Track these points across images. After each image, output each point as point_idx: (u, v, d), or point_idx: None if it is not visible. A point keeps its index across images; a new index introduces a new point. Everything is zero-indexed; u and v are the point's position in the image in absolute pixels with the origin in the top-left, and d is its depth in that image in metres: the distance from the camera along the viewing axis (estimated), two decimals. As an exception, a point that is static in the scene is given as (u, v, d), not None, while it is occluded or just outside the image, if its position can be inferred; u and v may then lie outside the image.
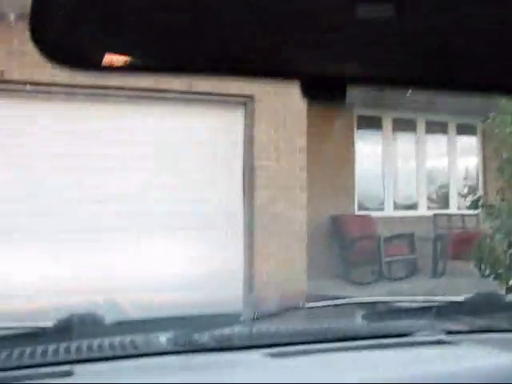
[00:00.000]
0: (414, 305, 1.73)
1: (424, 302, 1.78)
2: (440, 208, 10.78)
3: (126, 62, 0.57)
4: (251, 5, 0.51)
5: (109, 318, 1.38)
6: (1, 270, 6.02)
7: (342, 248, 9.31)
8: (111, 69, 0.56)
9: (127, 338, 1.42)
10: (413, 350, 1.51)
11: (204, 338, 1.47)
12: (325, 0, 0.49)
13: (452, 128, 10.85)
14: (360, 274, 8.73)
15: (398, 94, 8.18)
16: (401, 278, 8.68)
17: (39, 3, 0.50)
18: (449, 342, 1.57)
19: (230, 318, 1.47)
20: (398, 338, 1.59)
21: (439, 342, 1.56)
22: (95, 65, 0.56)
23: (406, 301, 1.86)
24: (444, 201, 10.98)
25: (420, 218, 10.20)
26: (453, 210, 10.72)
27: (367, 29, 0.50)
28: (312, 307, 1.66)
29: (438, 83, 0.57)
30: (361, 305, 1.78)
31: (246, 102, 7.32)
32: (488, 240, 7.66)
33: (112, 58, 0.55)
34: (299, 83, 0.53)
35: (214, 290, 6.62)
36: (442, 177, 11.09)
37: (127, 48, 0.56)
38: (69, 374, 1.25)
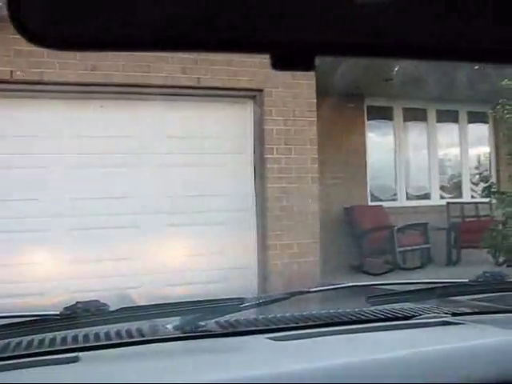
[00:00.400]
0: (419, 287, 1.74)
1: (428, 284, 1.78)
2: (453, 197, 10.74)
3: (112, 38, 0.58)
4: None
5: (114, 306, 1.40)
6: (14, 269, 6.10)
7: (355, 239, 9.31)
8: (98, 46, 0.58)
9: (133, 325, 1.45)
10: (418, 331, 1.52)
11: (210, 323, 1.49)
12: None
13: (463, 116, 10.79)
14: (374, 264, 8.72)
15: (407, 84, 8.17)
16: (415, 268, 8.66)
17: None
18: (454, 323, 1.57)
19: (235, 304, 1.48)
20: (403, 320, 1.59)
21: (444, 324, 1.57)
22: (83, 43, 0.57)
23: (410, 283, 1.87)
24: (457, 189, 10.94)
25: (433, 208, 10.16)
26: (466, 198, 10.68)
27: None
28: (316, 291, 1.67)
29: (407, 50, 0.58)
30: (365, 288, 1.79)
31: (255, 95, 7.33)
32: (500, 227, 7.63)
33: (98, 35, 0.56)
34: (270, 56, 0.54)
35: (227, 284, 6.66)
36: (454, 165, 11.05)
37: (109, 23, 0.58)
38: (75, 360, 1.27)
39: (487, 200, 8.77)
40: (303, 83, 7.28)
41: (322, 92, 7.36)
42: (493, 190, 8.27)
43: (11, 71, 6.15)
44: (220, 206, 7.05)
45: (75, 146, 6.51)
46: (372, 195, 10.08)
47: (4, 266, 6.00)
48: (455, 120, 10.83)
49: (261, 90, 7.24)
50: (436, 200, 10.48)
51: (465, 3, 0.64)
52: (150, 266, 6.51)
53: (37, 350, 1.35)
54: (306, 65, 0.55)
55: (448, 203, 10.23)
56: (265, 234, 7.23)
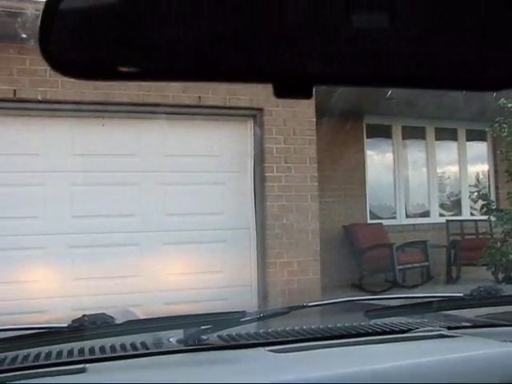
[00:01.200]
0: (415, 302, 1.78)
1: (425, 298, 1.82)
2: (452, 214, 10.78)
3: (126, 70, 0.63)
4: (227, 14, 0.57)
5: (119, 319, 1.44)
6: (14, 286, 6.13)
7: (355, 257, 9.34)
8: (115, 77, 0.63)
9: (138, 338, 1.49)
10: (414, 343, 1.56)
11: (211, 336, 1.53)
12: (289, 8, 0.55)
13: (462, 134, 10.86)
14: (373, 282, 8.75)
15: (406, 102, 8.25)
16: (414, 286, 8.69)
17: (47, 19, 0.56)
18: (450, 336, 1.61)
19: (236, 318, 1.52)
20: (400, 334, 1.63)
21: (440, 337, 1.61)
22: (102, 74, 0.63)
23: (406, 297, 1.91)
24: (456, 207, 10.98)
25: (432, 225, 10.21)
26: (465, 216, 10.72)
27: (328, 31, 0.56)
28: (315, 305, 1.71)
29: (396, 80, 0.64)
30: (362, 303, 1.83)
31: (255, 114, 7.39)
32: (499, 244, 7.67)
33: (116, 68, 0.61)
34: (272, 85, 0.59)
35: (227, 302, 6.68)
36: (454, 183, 11.11)
37: (127, 57, 0.63)
38: (82, 371, 1.31)
39: (486, 218, 8.81)
40: (303, 102, 7.34)
41: (321, 110, 7.43)
42: (492, 207, 8.33)
43: (14, 90, 6.22)
44: (220, 225, 7.10)
45: (77, 164, 6.56)
46: (371, 213, 10.12)
47: (4, 284, 6.05)
48: (454, 138, 10.90)
49: (261, 109, 7.30)
50: (435, 218, 10.52)
51: (459, 33, 0.69)
52: (150, 284, 6.54)
53: (44, 362, 1.39)
54: (306, 93, 0.60)
55: (447, 221, 10.27)
56: (264, 252, 7.25)
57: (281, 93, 0.60)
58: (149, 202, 6.84)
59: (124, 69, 0.62)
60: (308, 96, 0.61)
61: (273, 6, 0.55)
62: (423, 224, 10.19)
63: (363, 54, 0.59)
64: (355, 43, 0.59)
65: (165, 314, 1.70)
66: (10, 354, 1.43)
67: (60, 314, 5.17)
